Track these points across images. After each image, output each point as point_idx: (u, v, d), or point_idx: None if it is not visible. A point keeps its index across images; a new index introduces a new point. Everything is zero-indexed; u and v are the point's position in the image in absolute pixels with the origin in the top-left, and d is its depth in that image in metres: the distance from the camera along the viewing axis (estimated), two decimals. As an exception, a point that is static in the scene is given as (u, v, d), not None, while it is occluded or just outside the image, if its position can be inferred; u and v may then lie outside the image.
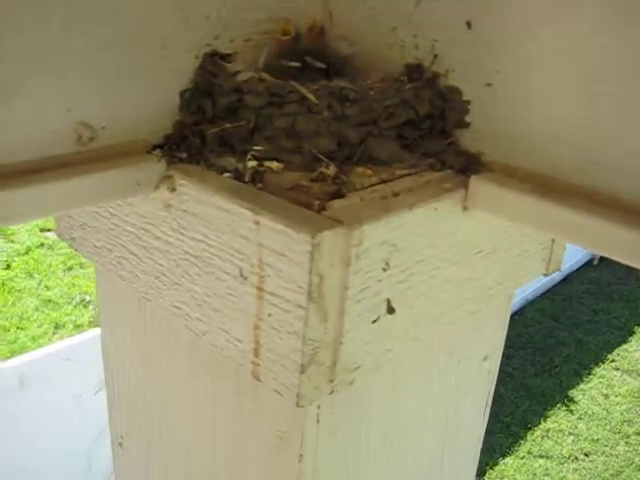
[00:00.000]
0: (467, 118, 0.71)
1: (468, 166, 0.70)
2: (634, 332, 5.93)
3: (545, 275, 0.88)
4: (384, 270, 0.60)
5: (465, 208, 0.67)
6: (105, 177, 0.63)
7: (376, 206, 0.59)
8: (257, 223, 0.57)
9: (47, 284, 5.39)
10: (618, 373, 5.53)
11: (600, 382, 5.45)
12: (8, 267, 5.30)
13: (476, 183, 0.66)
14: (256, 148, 0.65)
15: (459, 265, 0.70)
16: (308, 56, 0.75)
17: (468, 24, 0.68)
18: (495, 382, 0.99)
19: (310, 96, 0.65)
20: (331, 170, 0.62)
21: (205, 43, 0.70)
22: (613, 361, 5.61)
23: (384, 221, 0.58)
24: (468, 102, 0.70)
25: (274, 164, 0.64)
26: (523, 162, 0.67)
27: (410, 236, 0.62)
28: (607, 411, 5.17)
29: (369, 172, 0.64)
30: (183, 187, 0.65)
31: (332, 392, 0.61)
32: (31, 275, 5.41)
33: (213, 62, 0.70)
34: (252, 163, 0.64)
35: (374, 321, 0.62)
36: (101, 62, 0.63)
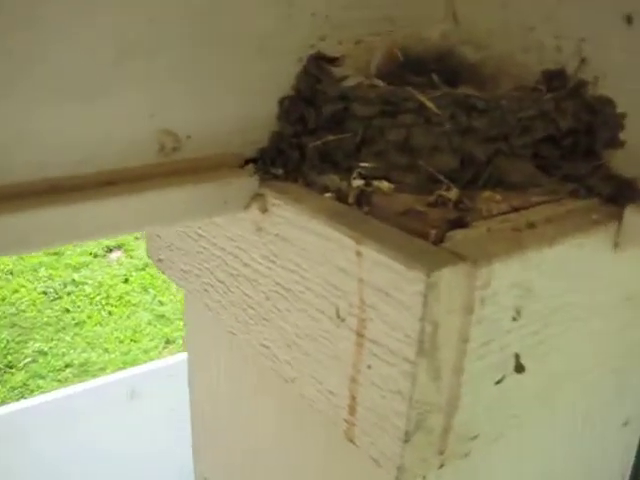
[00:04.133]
0: (622, 135, 0.58)
1: (620, 193, 0.57)
2: None
3: None
4: (514, 320, 0.48)
5: (616, 245, 0.54)
6: (187, 193, 0.55)
7: (507, 239, 0.48)
8: (359, 254, 0.47)
9: (161, 299, 5.51)
10: None
11: None
12: (126, 281, 5.48)
13: (632, 214, 0.53)
14: (363, 165, 0.56)
15: (603, 315, 0.57)
16: (427, 63, 0.64)
17: (628, 19, 0.55)
18: (635, 453, 0.83)
19: (430, 104, 0.55)
20: (453, 193, 0.51)
21: (309, 44, 0.62)
22: None
23: (518, 259, 0.46)
24: (623, 116, 0.57)
25: (384, 184, 0.53)
26: (695, 190, 0.54)
27: (548, 278, 0.49)
28: None
29: (498, 197, 0.53)
30: (276, 208, 0.56)
31: (442, 466, 0.49)
32: (146, 290, 5.55)
33: (318, 66, 0.61)
34: (358, 182, 0.54)
35: (498, 381, 0.50)
36: (190, 61, 0.56)
